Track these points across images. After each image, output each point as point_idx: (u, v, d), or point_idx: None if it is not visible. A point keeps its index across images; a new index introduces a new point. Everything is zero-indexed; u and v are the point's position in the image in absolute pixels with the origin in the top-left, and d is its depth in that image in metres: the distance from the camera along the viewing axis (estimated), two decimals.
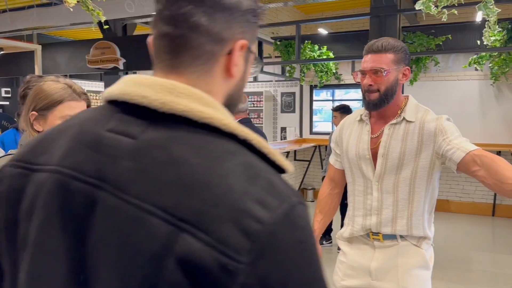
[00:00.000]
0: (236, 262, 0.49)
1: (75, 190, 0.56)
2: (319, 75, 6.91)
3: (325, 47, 6.60)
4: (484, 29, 2.16)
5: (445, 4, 2.16)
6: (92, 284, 0.54)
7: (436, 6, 2.15)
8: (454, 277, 4.01)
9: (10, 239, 0.62)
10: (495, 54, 5.73)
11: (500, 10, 2.15)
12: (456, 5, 2.16)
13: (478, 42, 5.78)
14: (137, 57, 5.90)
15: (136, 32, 6.59)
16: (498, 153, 5.68)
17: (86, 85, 9.28)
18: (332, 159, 1.90)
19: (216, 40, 0.61)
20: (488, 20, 2.12)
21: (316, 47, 6.59)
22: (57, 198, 0.57)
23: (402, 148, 1.63)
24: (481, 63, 5.95)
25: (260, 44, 6.40)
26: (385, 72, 1.59)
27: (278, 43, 6.44)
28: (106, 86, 6.20)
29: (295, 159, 6.72)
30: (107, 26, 4.77)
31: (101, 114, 0.62)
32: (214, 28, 0.61)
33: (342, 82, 7.38)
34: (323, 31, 6.81)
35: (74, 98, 1.37)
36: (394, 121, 1.66)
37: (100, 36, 6.26)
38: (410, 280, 1.67)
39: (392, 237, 1.68)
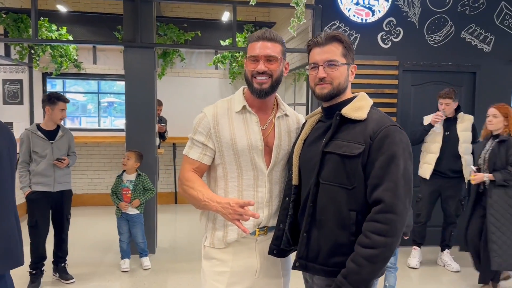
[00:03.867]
0: None
1: None
2: (58, 60, 5.83)
3: (65, 28, 5.62)
4: (292, 19, 2.19)
5: None
6: None
7: None
8: None
9: None
10: (238, 54, 6.26)
11: (306, 1, 2.21)
12: None
13: (221, 42, 6.19)
14: None
15: None
16: None
17: None
18: (195, 154, 1.65)
19: None
20: (296, 10, 2.15)
21: (54, 26, 5.52)
22: None
23: (289, 141, 1.70)
24: (224, 62, 6.40)
25: None
26: (280, 60, 1.58)
27: (4, 15, 5.02)
28: None
29: None
30: None
31: None
32: None
33: (82, 71, 6.52)
34: (62, 8, 5.77)
35: None
36: (279, 114, 1.69)
37: None
38: (289, 266, 1.73)
39: (274, 228, 1.68)
